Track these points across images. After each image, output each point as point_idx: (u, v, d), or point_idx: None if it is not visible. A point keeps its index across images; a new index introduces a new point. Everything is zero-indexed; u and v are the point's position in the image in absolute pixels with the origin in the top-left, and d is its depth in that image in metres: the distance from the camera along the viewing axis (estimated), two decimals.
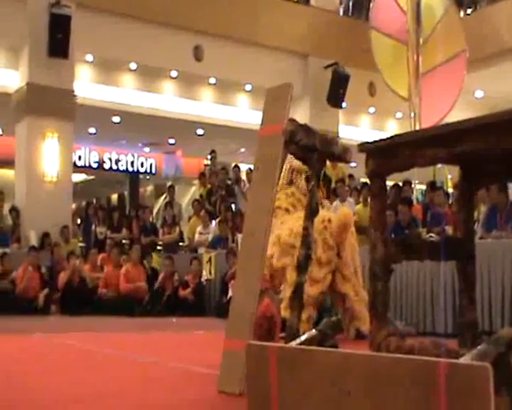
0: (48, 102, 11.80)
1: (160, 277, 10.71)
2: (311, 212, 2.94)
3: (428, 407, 1.80)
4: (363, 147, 2.62)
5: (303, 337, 2.49)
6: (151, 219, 13.34)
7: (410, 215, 8.60)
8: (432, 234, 7.30)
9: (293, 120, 3.01)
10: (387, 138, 2.57)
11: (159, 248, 12.36)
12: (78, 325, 8.17)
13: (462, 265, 2.80)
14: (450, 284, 6.63)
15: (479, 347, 1.98)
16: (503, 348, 1.97)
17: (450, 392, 1.75)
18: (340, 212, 6.03)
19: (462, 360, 1.87)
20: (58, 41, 11.67)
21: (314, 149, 2.92)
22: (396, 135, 2.68)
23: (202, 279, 10.49)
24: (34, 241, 11.46)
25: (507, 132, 2.06)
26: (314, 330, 2.57)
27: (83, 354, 4.97)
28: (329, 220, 5.74)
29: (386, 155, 2.55)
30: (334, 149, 2.94)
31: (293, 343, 2.45)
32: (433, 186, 9.98)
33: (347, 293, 5.78)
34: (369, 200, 3.06)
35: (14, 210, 11.81)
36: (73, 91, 12.24)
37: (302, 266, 2.96)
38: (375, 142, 2.62)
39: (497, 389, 1.77)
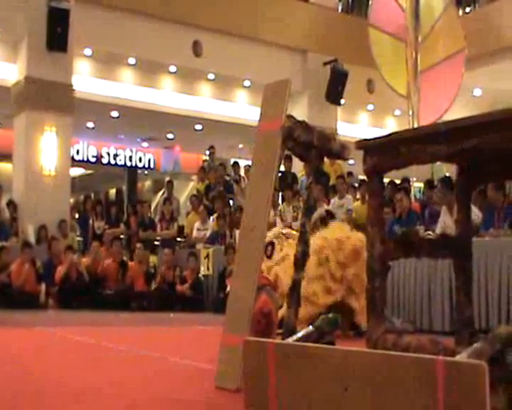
0: (46, 96, 11.79)
1: (161, 269, 10.74)
2: (308, 209, 2.95)
3: (426, 403, 1.81)
4: (361, 144, 2.62)
5: (300, 334, 2.50)
6: (149, 215, 13.33)
7: (408, 205, 8.55)
8: (429, 232, 7.31)
9: (291, 117, 3.01)
10: (385, 136, 2.58)
11: (156, 243, 12.36)
12: (76, 319, 8.18)
13: (458, 263, 2.81)
14: (447, 281, 6.64)
15: (475, 345, 1.99)
16: (499, 347, 1.98)
17: (446, 389, 1.76)
18: (355, 237, 6.10)
19: (458, 358, 1.87)
20: (57, 35, 11.65)
21: (312, 146, 2.92)
22: (394, 132, 2.68)
23: (200, 275, 10.50)
24: (31, 235, 11.45)
25: (506, 131, 2.07)
26: (311, 327, 2.58)
27: (81, 347, 4.97)
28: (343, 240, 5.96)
29: (384, 152, 2.55)
30: (332, 145, 2.95)
31: (290, 340, 2.45)
32: (430, 184, 9.98)
33: (355, 308, 5.91)
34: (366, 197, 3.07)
35: (12, 204, 11.80)
36: (72, 85, 12.22)
37: (299, 264, 2.96)
38: (373, 139, 2.62)
39: (493, 387, 1.78)
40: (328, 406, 2.04)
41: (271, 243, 6.44)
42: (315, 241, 5.78)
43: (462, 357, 1.89)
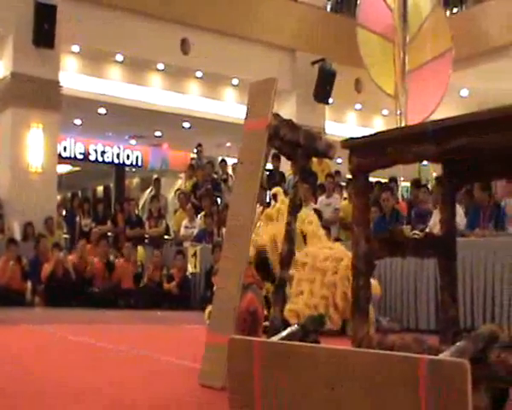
0: (33, 93, 11.73)
1: (148, 268, 10.71)
2: (295, 207, 2.95)
3: (408, 402, 1.82)
4: (347, 143, 2.63)
5: (285, 332, 2.50)
6: (136, 212, 13.29)
7: (392, 203, 8.58)
8: (416, 231, 7.34)
9: (277, 115, 3.01)
10: (371, 135, 2.58)
11: (145, 240, 12.33)
12: (63, 317, 8.14)
13: (443, 262, 2.82)
14: (433, 280, 6.68)
15: (458, 343, 2.00)
16: (482, 345, 1.99)
17: (429, 387, 1.77)
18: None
19: (440, 357, 1.88)
20: (44, 31, 11.60)
21: (298, 145, 2.92)
22: (380, 132, 2.68)
23: (187, 273, 10.49)
24: (18, 232, 11.39)
25: (493, 131, 2.08)
26: (296, 326, 2.58)
27: (68, 345, 4.95)
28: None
29: (370, 151, 2.56)
30: (318, 144, 2.95)
31: (275, 338, 2.45)
32: (417, 184, 10.03)
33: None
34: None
35: None
36: (59, 82, 12.17)
37: (285, 262, 2.97)
38: (359, 138, 2.63)
39: (475, 385, 1.79)
40: (314, 405, 2.04)
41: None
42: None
43: (444, 355, 1.90)
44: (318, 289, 6.09)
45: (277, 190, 6.90)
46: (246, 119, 3.24)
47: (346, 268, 5.81)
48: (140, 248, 11.64)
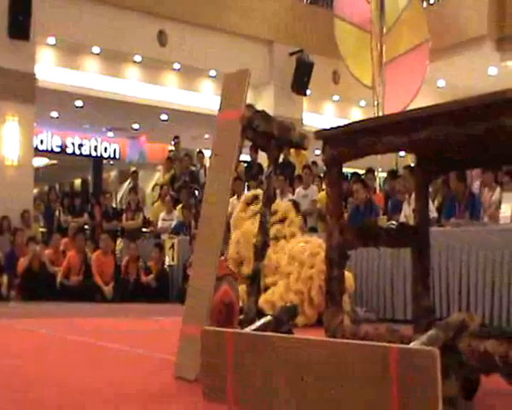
0: (8, 85, 11.60)
1: (124, 260, 10.65)
2: (268, 198, 2.95)
3: (380, 390, 1.83)
4: (320, 134, 2.63)
5: (258, 323, 2.50)
6: (114, 205, 13.23)
7: (365, 196, 8.55)
8: (392, 222, 7.37)
9: (250, 106, 3.01)
10: (344, 125, 2.58)
11: (123, 233, 12.27)
12: (38, 311, 8.09)
13: (416, 252, 2.84)
14: (409, 270, 6.70)
15: (428, 332, 2.01)
16: (452, 334, 2.01)
17: (400, 376, 1.78)
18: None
19: (411, 345, 1.90)
20: (18, 22, 11.47)
21: (272, 136, 2.92)
22: (353, 122, 2.69)
23: (165, 265, 10.46)
24: None
25: (466, 120, 2.09)
26: (269, 316, 2.58)
27: (41, 339, 4.93)
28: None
29: (344, 142, 2.56)
30: (292, 135, 2.95)
31: (249, 329, 2.46)
32: (393, 175, 10.07)
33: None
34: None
35: None
36: (34, 74, 12.06)
37: (259, 253, 2.97)
38: (332, 129, 2.63)
39: (445, 373, 1.81)
40: (285, 395, 2.05)
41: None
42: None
43: (415, 344, 1.91)
44: (294, 283, 6.11)
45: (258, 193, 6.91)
46: (220, 110, 3.24)
47: (322, 262, 5.83)
48: (119, 242, 11.58)
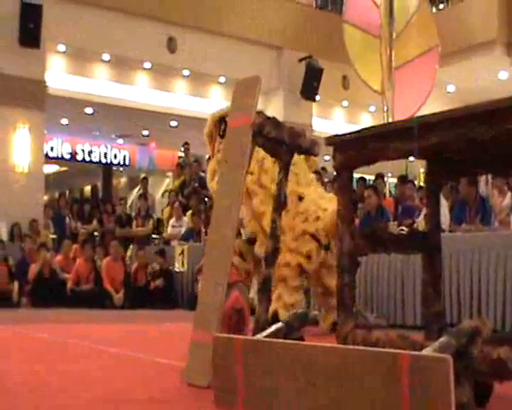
0: (18, 92, 11.66)
1: (134, 267, 10.67)
2: (279, 205, 2.95)
3: (391, 397, 1.82)
4: (331, 140, 2.63)
5: (269, 330, 2.50)
6: (127, 211, 13.28)
7: (376, 202, 8.52)
8: (403, 227, 7.35)
9: (261, 113, 3.01)
10: (354, 132, 2.58)
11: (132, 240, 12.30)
12: (49, 318, 8.11)
13: (427, 257, 2.83)
14: (419, 275, 6.67)
15: (441, 339, 2.00)
16: (465, 340, 2.00)
17: (412, 383, 1.78)
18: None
19: (423, 352, 1.89)
20: (29, 30, 11.53)
21: (282, 142, 2.92)
22: (364, 128, 2.69)
23: (176, 269, 10.46)
24: (4, 233, 11.34)
25: (476, 126, 2.08)
26: (281, 323, 2.58)
27: (53, 345, 4.94)
28: (325, 210, 5.62)
29: (354, 148, 2.56)
30: (302, 141, 2.95)
31: (260, 336, 2.46)
32: (403, 180, 10.04)
33: (331, 286, 5.53)
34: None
35: None
36: (45, 82, 12.11)
37: (270, 259, 2.96)
38: (343, 135, 2.63)
39: (458, 380, 1.80)
40: (296, 401, 2.04)
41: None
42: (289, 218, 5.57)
43: (427, 351, 1.91)
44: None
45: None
46: (230, 117, 3.24)
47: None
48: (131, 247, 11.61)
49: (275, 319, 4.87)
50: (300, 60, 14.76)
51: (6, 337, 5.62)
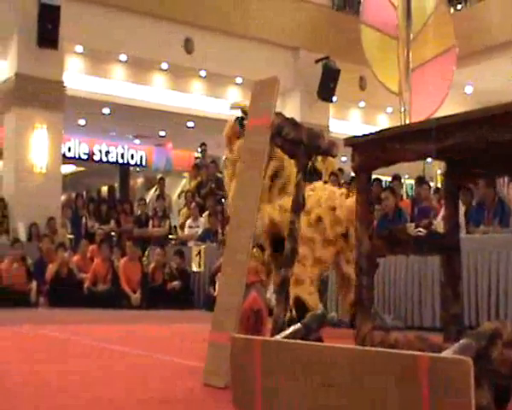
0: (37, 93, 11.75)
1: (151, 267, 10.70)
2: (297, 206, 2.95)
3: (411, 400, 1.81)
4: (350, 141, 2.62)
5: (288, 331, 2.50)
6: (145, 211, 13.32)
7: (394, 203, 8.46)
8: (420, 229, 7.30)
9: (279, 114, 3.01)
10: (373, 133, 2.58)
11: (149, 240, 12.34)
12: (67, 318, 8.15)
13: (446, 259, 2.81)
14: (437, 278, 6.65)
15: (460, 341, 1.99)
16: (485, 342, 1.98)
17: (431, 385, 1.77)
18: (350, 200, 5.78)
19: (443, 354, 1.88)
20: (47, 31, 11.61)
21: (301, 143, 2.92)
22: (382, 129, 2.68)
23: (193, 269, 10.49)
24: (22, 233, 11.42)
25: (494, 127, 2.07)
26: (299, 324, 2.58)
27: (70, 345, 4.97)
28: (346, 196, 5.57)
29: (373, 149, 2.55)
30: (321, 142, 2.95)
31: (278, 337, 2.46)
32: (420, 181, 10.00)
33: (351, 274, 5.47)
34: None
35: (2, 201, 11.76)
36: (63, 82, 12.19)
37: (288, 261, 2.96)
38: (361, 136, 2.62)
39: (478, 383, 1.78)
40: (314, 402, 2.04)
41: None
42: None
43: (447, 353, 1.90)
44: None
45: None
46: (249, 118, 3.25)
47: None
48: (148, 248, 11.64)
49: (299, 305, 4.90)
50: (317, 61, 14.75)
51: (29, 338, 5.66)
